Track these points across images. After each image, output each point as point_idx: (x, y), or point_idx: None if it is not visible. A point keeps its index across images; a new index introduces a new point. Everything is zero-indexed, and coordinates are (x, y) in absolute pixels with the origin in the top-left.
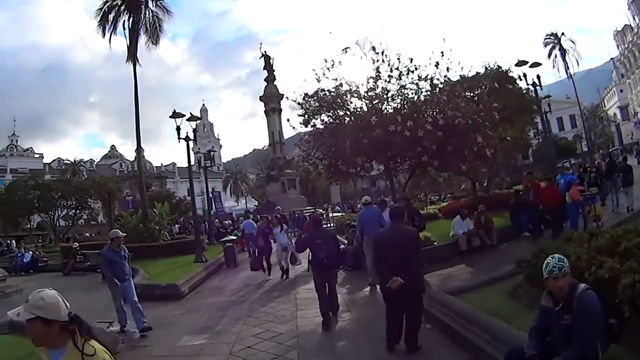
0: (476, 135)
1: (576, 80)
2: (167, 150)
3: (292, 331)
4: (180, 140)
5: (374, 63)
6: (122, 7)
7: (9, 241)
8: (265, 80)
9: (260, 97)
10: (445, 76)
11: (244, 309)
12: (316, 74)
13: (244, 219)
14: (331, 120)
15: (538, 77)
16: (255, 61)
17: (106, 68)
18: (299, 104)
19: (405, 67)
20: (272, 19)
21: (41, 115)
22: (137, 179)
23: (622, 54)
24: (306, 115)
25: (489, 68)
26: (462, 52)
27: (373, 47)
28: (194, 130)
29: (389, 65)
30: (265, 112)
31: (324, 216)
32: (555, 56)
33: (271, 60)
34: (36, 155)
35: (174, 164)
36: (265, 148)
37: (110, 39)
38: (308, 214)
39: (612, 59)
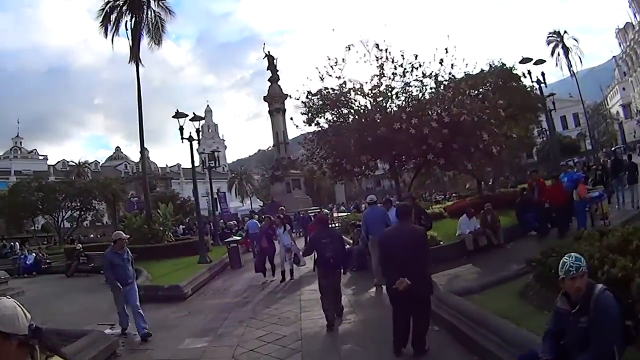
0: (482, 133)
1: (579, 79)
2: (172, 151)
3: (296, 333)
4: (184, 140)
5: (377, 60)
6: (124, 8)
7: (12, 243)
8: (269, 80)
9: (264, 97)
10: (449, 73)
11: (247, 310)
12: (319, 73)
13: (249, 219)
14: (335, 118)
15: (542, 74)
16: (259, 62)
17: (110, 70)
18: (302, 102)
19: (410, 63)
20: (275, 19)
21: (45, 117)
22: (142, 180)
23: (624, 52)
24: (310, 114)
25: (493, 65)
26: (465, 50)
27: (376, 44)
28: (198, 131)
29: (392, 62)
30: (269, 112)
31: (329, 216)
32: (558, 54)
33: (275, 61)
34: (40, 157)
35: (179, 164)
36: (269, 148)
37: (112, 40)
38: (313, 214)
39: (614, 57)
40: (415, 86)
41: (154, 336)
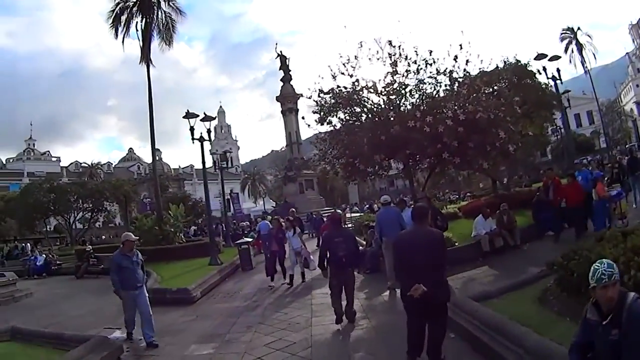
0: (498, 131)
1: (592, 76)
2: (185, 152)
3: (306, 340)
4: (195, 140)
5: (390, 57)
6: (135, 9)
7: (23, 244)
8: (281, 80)
9: (276, 97)
10: (464, 70)
11: (256, 315)
12: (332, 71)
13: (262, 220)
14: (348, 117)
15: (558, 70)
16: (272, 62)
17: (123, 71)
18: (314, 101)
19: (424, 59)
20: (286, 20)
21: (59, 119)
22: (154, 181)
23: (638, 48)
24: (322, 113)
25: (507, 62)
26: (478, 47)
27: (389, 41)
28: (208, 131)
29: (406, 59)
30: (282, 112)
31: (342, 216)
32: (572, 51)
33: (287, 61)
34: (53, 159)
35: (192, 165)
36: (282, 149)
37: (123, 41)
38: (326, 215)
39: (627, 53)
40: (430, 83)
41: (160, 341)
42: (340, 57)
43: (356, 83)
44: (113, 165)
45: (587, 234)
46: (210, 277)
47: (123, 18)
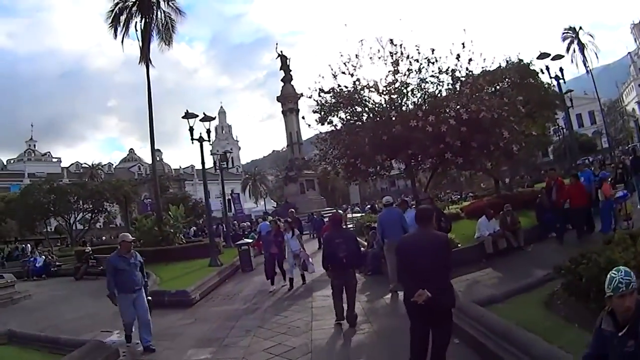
0: (502, 130)
1: (594, 76)
2: (186, 153)
3: (306, 345)
4: (194, 141)
5: (392, 56)
6: (134, 9)
7: (23, 245)
8: (282, 80)
9: (277, 97)
10: (466, 69)
11: (255, 318)
12: (332, 70)
13: (262, 221)
14: (349, 117)
15: (561, 70)
16: (273, 63)
17: (124, 72)
18: (314, 100)
19: (425, 58)
20: (287, 20)
21: (60, 120)
22: (154, 181)
23: None
24: (322, 113)
25: (510, 61)
26: (480, 46)
27: (391, 39)
28: (208, 131)
29: (407, 58)
30: (282, 112)
31: (342, 217)
32: (574, 51)
33: (287, 61)
34: (54, 160)
35: (192, 166)
36: (284, 149)
37: (122, 41)
38: (327, 216)
39: (629, 53)
40: (432, 82)
41: (156, 345)
42: (341, 55)
43: (357, 82)
44: (114, 166)
45: (592, 235)
46: (210, 279)
47: (122, 18)
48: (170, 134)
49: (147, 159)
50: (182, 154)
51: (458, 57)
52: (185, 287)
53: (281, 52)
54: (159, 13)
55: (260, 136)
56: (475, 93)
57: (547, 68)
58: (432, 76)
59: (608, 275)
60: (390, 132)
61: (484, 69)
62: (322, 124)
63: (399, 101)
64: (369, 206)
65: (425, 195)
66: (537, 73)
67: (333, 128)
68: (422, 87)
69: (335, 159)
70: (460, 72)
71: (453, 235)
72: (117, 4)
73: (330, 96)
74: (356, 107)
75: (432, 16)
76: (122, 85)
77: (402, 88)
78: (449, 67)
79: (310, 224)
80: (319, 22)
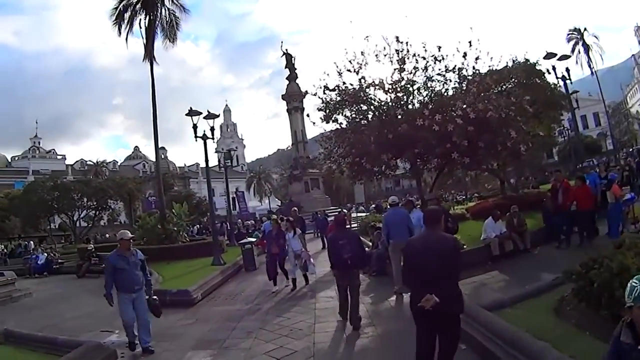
0: (509, 130)
1: (598, 78)
2: (191, 151)
3: (309, 349)
4: (197, 138)
5: (398, 54)
6: (138, 6)
7: (26, 242)
8: (287, 78)
9: (282, 95)
10: (473, 67)
11: (257, 319)
12: (337, 67)
13: (267, 220)
14: (354, 115)
15: (567, 70)
16: (278, 61)
17: (129, 70)
18: (319, 97)
19: (432, 56)
20: (293, 19)
21: (66, 117)
22: (157, 179)
23: None
24: (327, 111)
25: (516, 61)
26: (486, 45)
27: (397, 37)
28: (212, 129)
29: (414, 55)
30: (287, 111)
31: (346, 217)
32: (579, 52)
33: (293, 59)
34: (58, 157)
35: (197, 164)
36: (288, 148)
37: (126, 38)
38: (331, 215)
39: (633, 55)
40: (438, 80)
41: (155, 346)
42: (347, 52)
43: (363, 80)
44: (119, 164)
45: (596, 239)
46: (212, 278)
47: (126, 15)
48: (175, 132)
49: (152, 156)
50: (187, 152)
51: (465, 55)
52: (187, 286)
53: (286, 50)
54: (163, 10)
55: (265, 135)
56: (483, 92)
57: (554, 68)
58: (438, 74)
59: (629, 285)
60: (396, 131)
61: (490, 67)
62: (327, 122)
63: (405, 99)
64: (374, 206)
65: (432, 196)
66: (543, 73)
67: (338, 126)
68: (429, 85)
69: (340, 157)
70: (467, 70)
71: (459, 237)
72: (122, 1)
73: (336, 94)
74: (362, 105)
75: (439, 15)
76: (127, 83)
77: (409, 86)
78: (455, 66)
79: (314, 223)
80: (325, 22)
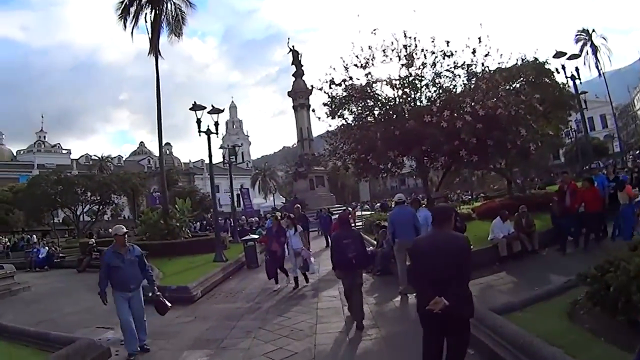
0: (519, 128)
1: (606, 80)
2: (196, 147)
3: (310, 350)
4: (201, 133)
5: (406, 49)
6: (144, 1)
7: (29, 236)
8: (293, 75)
9: (288, 92)
10: (482, 64)
11: (257, 318)
12: (344, 62)
13: (271, 217)
14: (360, 111)
15: (577, 69)
16: (285, 59)
17: (135, 66)
18: (325, 92)
19: (441, 51)
20: (300, 17)
21: (72, 112)
22: (161, 174)
23: None
24: (333, 106)
25: (525, 60)
26: (495, 42)
27: (404, 31)
28: (216, 124)
29: (422, 51)
30: (293, 107)
31: (351, 215)
32: (587, 53)
33: (299, 56)
34: (64, 151)
35: (202, 160)
36: (294, 145)
37: (132, 33)
38: (335, 213)
39: None
40: (447, 77)
41: (151, 345)
42: (354, 46)
43: (369, 75)
44: (124, 159)
45: (605, 241)
46: (213, 275)
47: (132, 10)
48: (181, 128)
49: (157, 152)
50: (192, 148)
51: (474, 51)
52: (187, 282)
53: (293, 47)
54: (168, 5)
55: (271, 132)
56: (492, 89)
57: (563, 67)
58: (447, 70)
59: None
60: (403, 127)
61: (500, 65)
62: (333, 118)
63: (413, 95)
64: (379, 204)
65: (438, 194)
66: (552, 72)
67: (344, 122)
68: (437, 81)
69: (345, 154)
70: (476, 67)
71: (466, 237)
72: None
73: (342, 89)
74: (368, 100)
75: (447, 11)
76: (134, 79)
77: (416, 82)
78: (464, 62)
79: (318, 221)
80: (332, 20)
